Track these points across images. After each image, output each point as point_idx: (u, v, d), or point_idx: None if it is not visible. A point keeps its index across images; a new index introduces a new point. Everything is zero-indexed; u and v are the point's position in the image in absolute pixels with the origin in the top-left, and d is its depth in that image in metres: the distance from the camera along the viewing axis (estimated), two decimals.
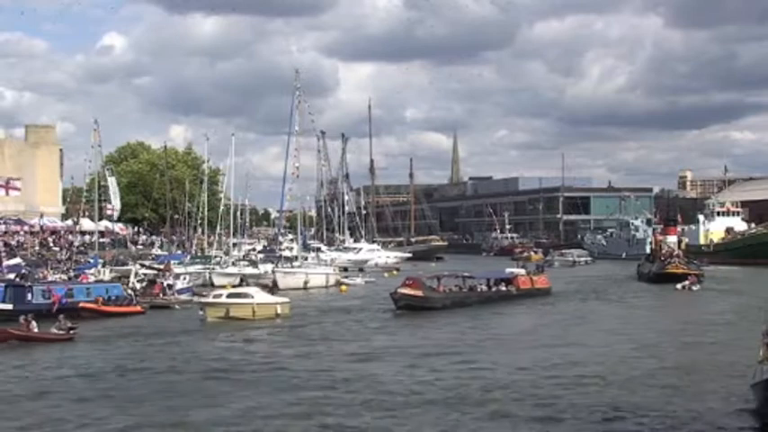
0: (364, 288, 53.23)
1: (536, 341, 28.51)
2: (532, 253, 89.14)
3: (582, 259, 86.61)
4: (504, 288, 43.22)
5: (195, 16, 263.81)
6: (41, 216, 65.65)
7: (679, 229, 68.90)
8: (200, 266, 54.06)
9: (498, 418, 16.93)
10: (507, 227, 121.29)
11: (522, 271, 47.99)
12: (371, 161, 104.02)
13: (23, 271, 43.08)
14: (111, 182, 64.06)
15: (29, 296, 33.40)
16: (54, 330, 27.77)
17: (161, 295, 40.15)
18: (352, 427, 16.29)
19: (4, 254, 51.16)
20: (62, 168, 77.63)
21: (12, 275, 41.19)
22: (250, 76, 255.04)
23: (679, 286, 49.72)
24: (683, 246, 63.83)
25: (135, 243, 72.07)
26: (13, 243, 58.72)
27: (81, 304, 33.79)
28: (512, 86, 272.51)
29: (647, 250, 73.12)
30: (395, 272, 70.91)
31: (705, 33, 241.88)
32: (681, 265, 55.04)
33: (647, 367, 22.67)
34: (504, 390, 19.56)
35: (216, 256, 57.54)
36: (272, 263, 54.60)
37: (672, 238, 62.66)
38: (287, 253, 63.14)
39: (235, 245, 67.05)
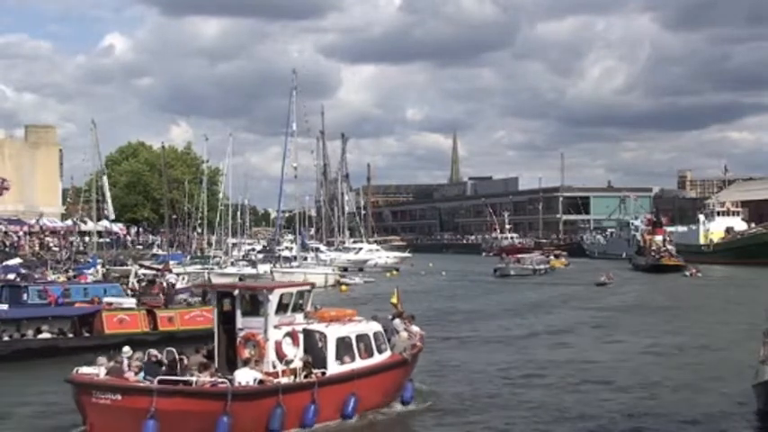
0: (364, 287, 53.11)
1: None
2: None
3: (542, 267, 69.55)
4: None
5: (193, 19, 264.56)
6: (41, 216, 65.50)
7: (666, 229, 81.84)
8: (199, 266, 53.98)
9: None
10: (507, 227, 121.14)
11: None
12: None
13: (22, 271, 42.88)
14: (104, 182, 64.05)
15: (24, 296, 33.21)
16: None
17: (160, 295, 39.88)
18: None
19: None
20: (62, 168, 77.67)
21: (11, 276, 40.98)
22: (250, 77, 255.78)
23: (687, 273, 61.71)
24: (667, 243, 75.33)
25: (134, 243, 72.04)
26: (12, 243, 58.60)
27: (77, 305, 33.53)
28: (512, 87, 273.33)
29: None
30: (395, 272, 70.62)
31: (700, 35, 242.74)
32: (672, 257, 70.33)
33: (647, 368, 22.54)
34: None
35: (215, 256, 57.47)
36: (271, 263, 54.49)
37: (658, 237, 75.71)
38: (286, 253, 63.04)
39: (234, 245, 66.96)
